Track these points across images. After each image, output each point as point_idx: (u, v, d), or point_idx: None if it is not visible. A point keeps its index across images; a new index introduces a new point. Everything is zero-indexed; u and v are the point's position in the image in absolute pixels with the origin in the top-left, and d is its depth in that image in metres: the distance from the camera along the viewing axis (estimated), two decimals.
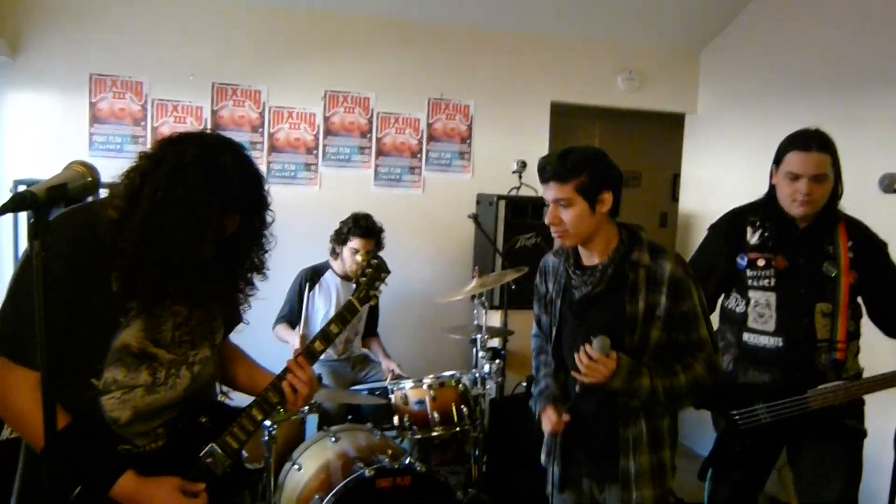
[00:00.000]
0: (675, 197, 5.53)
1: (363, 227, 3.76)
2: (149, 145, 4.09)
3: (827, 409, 2.49)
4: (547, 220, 2.11)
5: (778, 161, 2.57)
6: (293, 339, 3.63)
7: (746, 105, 4.64)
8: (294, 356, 1.84)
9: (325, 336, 1.89)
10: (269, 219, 1.73)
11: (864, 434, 2.58)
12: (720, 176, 4.87)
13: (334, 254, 3.91)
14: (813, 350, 2.55)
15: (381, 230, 3.82)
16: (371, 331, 4.13)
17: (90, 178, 1.36)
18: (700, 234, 2.88)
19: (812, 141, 2.49)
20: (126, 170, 1.62)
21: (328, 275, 3.92)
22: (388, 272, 2.05)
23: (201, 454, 1.72)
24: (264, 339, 3.51)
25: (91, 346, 1.59)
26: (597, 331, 2.03)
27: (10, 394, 1.52)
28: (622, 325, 2.05)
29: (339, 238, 3.83)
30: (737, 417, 2.60)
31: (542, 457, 2.30)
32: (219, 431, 1.74)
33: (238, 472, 1.82)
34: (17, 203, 1.21)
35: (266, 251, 1.78)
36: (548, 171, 2.07)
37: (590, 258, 2.15)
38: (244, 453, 2.48)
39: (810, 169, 2.47)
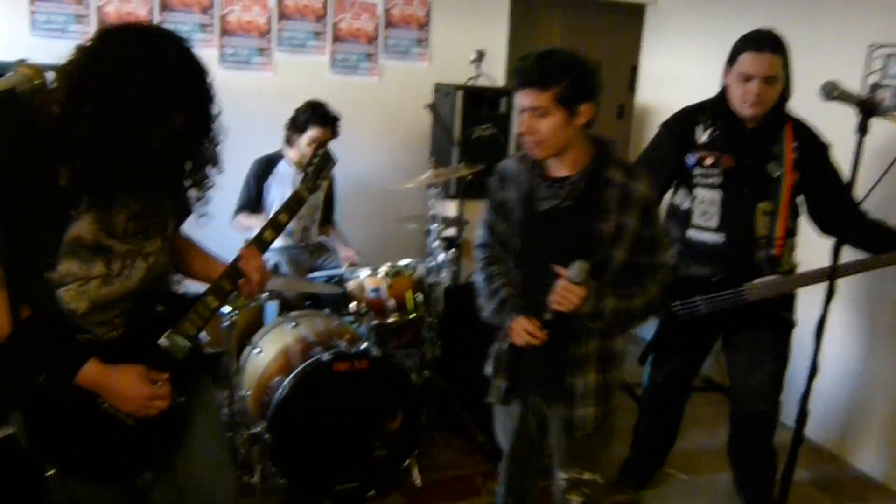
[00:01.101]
0: (632, 88, 5.54)
1: (321, 116, 3.71)
2: (92, 25, 3.97)
3: (761, 301, 2.64)
4: (519, 129, 1.99)
5: (731, 61, 2.59)
6: (256, 222, 3.65)
7: None
8: (245, 246, 1.88)
9: (276, 224, 1.92)
10: (215, 111, 1.72)
11: (793, 324, 2.75)
12: (678, 69, 4.88)
13: (289, 143, 3.87)
14: (752, 246, 2.66)
15: (337, 118, 3.79)
16: (328, 218, 4.16)
17: (38, 81, 1.36)
18: (656, 128, 2.92)
19: (765, 42, 2.51)
20: (64, 63, 1.58)
21: (282, 164, 3.89)
22: (334, 162, 2.08)
23: (159, 341, 1.76)
24: (223, 230, 3.53)
25: (42, 239, 1.60)
26: (562, 246, 1.97)
27: None
28: (587, 243, 1.97)
29: (296, 126, 3.77)
30: (677, 308, 2.74)
31: (488, 368, 2.25)
32: (176, 319, 1.78)
33: (197, 358, 1.87)
34: None
35: (217, 143, 1.77)
36: (525, 75, 1.91)
37: (558, 170, 2.03)
38: (206, 337, 2.56)
39: (763, 70, 2.50)
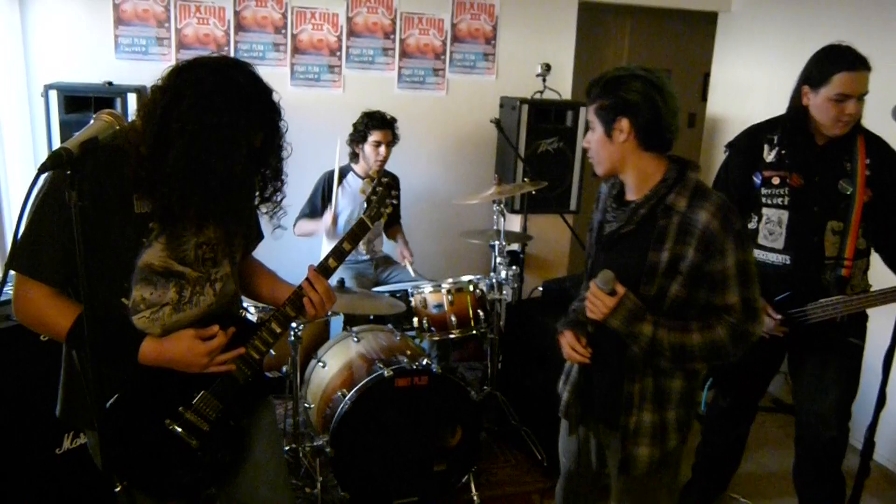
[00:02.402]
0: (704, 97, 5.44)
1: (379, 119, 3.85)
2: (173, 47, 4.16)
3: (829, 324, 2.56)
4: (583, 143, 2.04)
5: (821, 82, 2.49)
6: (319, 224, 3.79)
7: (782, 6, 4.48)
8: (309, 273, 1.92)
9: (339, 252, 1.96)
10: (283, 128, 1.80)
11: (861, 349, 2.66)
12: (750, 78, 4.77)
13: (355, 156, 3.98)
14: (820, 267, 2.59)
15: (394, 119, 3.92)
16: (394, 221, 4.23)
17: (118, 127, 1.44)
18: (727, 138, 2.86)
19: (858, 61, 2.44)
20: (142, 104, 1.69)
21: (351, 177, 4.01)
22: (398, 189, 2.10)
23: None
24: (292, 242, 3.65)
25: (116, 266, 1.69)
26: (620, 273, 1.89)
27: (27, 305, 1.67)
28: (641, 272, 1.89)
29: (358, 136, 3.90)
30: None
31: (560, 383, 2.24)
32: (241, 343, 1.84)
33: (259, 381, 1.93)
34: (54, 161, 1.30)
35: (282, 158, 1.84)
36: (586, 93, 1.98)
37: (630, 193, 1.99)
38: (272, 352, 2.65)
39: (860, 88, 2.44)
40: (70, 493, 2.61)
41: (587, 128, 2.00)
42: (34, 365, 2.55)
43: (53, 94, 3.61)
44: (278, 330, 1.88)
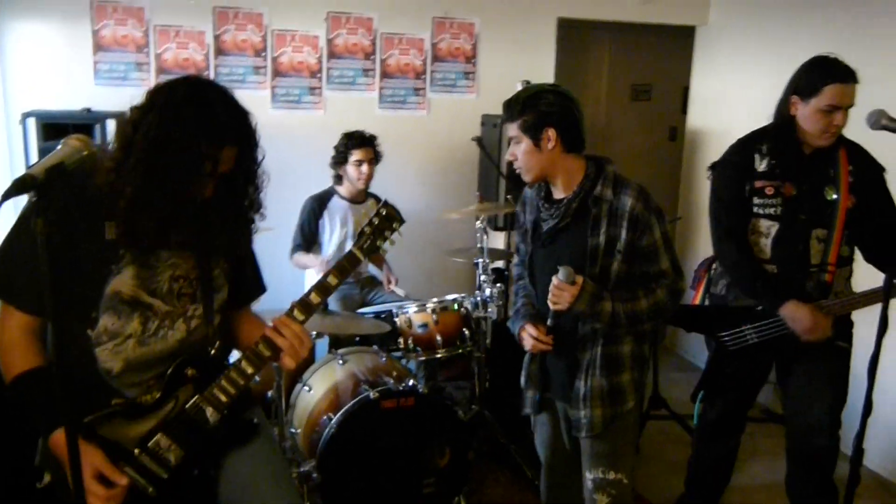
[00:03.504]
0: (685, 110, 5.47)
1: (358, 138, 3.86)
2: (152, 72, 4.15)
3: None
4: (507, 156, 2.26)
5: (810, 93, 2.50)
6: (313, 262, 3.78)
7: (758, 18, 4.52)
8: (289, 309, 1.78)
9: (323, 288, 1.80)
10: (259, 156, 1.75)
11: (849, 352, 2.66)
12: (729, 90, 4.80)
13: (338, 178, 3.97)
14: (805, 275, 2.60)
15: (374, 137, 3.93)
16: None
17: (86, 152, 1.41)
18: (708, 150, 2.87)
19: (847, 73, 2.47)
20: (118, 122, 1.68)
21: (335, 200, 3.99)
22: (401, 221, 1.90)
23: (187, 405, 1.72)
24: (279, 268, 3.63)
25: (84, 294, 1.66)
26: (563, 262, 2.13)
27: (1, 331, 1.65)
28: (584, 256, 2.15)
29: (339, 158, 3.90)
30: (726, 339, 2.69)
31: (522, 380, 2.45)
32: (207, 384, 1.73)
33: (235, 426, 1.81)
34: (18, 187, 1.28)
35: (260, 190, 1.80)
36: (504, 110, 2.20)
37: (557, 192, 2.22)
38: (255, 378, 2.56)
39: (848, 100, 2.47)
40: None
41: (508, 143, 2.22)
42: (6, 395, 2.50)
43: (31, 122, 3.60)
44: (250, 370, 1.73)
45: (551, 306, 2.16)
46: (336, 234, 3.95)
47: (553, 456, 2.46)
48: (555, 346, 2.23)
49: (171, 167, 1.59)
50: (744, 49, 4.68)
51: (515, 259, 2.52)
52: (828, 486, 2.76)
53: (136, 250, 1.68)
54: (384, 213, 1.87)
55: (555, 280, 2.12)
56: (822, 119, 2.50)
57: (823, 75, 2.49)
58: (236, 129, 1.67)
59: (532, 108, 2.11)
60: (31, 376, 1.63)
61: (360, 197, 3.99)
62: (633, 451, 2.37)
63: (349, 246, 3.55)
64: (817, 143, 2.55)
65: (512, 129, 2.16)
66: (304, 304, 1.78)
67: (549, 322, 2.21)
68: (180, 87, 1.64)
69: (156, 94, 1.64)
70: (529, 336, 2.25)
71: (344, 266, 1.82)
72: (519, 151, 2.16)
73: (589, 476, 2.29)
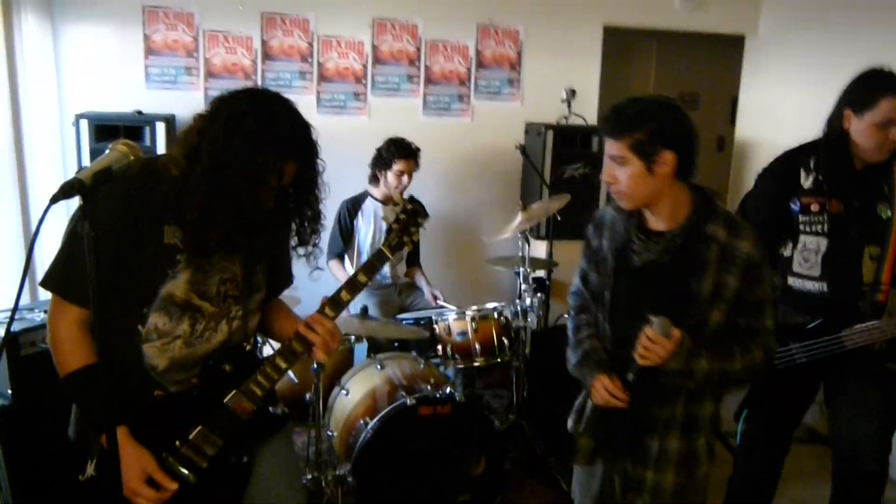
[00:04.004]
0: (733, 121, 5.38)
1: (405, 149, 3.88)
2: (201, 76, 4.22)
3: (866, 351, 2.48)
4: (602, 177, 1.91)
5: (864, 106, 2.42)
6: (342, 278, 3.78)
7: (809, 28, 4.44)
8: (320, 306, 1.84)
9: (353, 285, 1.84)
10: (320, 167, 1.79)
11: None
12: (779, 101, 4.71)
13: (375, 180, 4.00)
14: (857, 294, 2.52)
15: (418, 149, 3.95)
16: (413, 261, 4.25)
17: (132, 157, 1.43)
18: (757, 161, 2.82)
19: None
20: (183, 130, 1.71)
21: (368, 202, 4.03)
22: (425, 216, 1.98)
23: (225, 400, 1.77)
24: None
25: (139, 292, 1.70)
26: (657, 303, 1.83)
27: (55, 325, 1.67)
28: (683, 303, 1.85)
29: (382, 163, 3.92)
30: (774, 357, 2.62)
31: (571, 424, 2.15)
32: (242, 378, 1.78)
33: (265, 418, 1.87)
34: (66, 191, 1.30)
35: (321, 200, 1.83)
36: (604, 123, 1.86)
37: (655, 222, 1.92)
38: (293, 378, 2.59)
39: None
40: None
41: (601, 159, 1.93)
42: (59, 390, 2.56)
43: (84, 124, 3.68)
44: (283, 365, 1.80)
45: (638, 361, 1.85)
46: (370, 234, 3.98)
47: None
48: (630, 402, 1.93)
49: (236, 179, 1.62)
50: (795, 59, 4.59)
51: (575, 283, 2.19)
52: None
53: (197, 256, 1.71)
54: (410, 209, 1.93)
55: (648, 332, 1.81)
56: (876, 134, 2.41)
57: (879, 88, 2.40)
58: (299, 143, 1.70)
59: (646, 124, 1.78)
60: (85, 373, 1.66)
61: (392, 200, 4.02)
62: None
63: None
64: (872, 158, 2.46)
65: (616, 147, 1.82)
66: (335, 302, 1.85)
67: (629, 377, 1.90)
68: (244, 99, 1.67)
69: (220, 105, 1.67)
70: (605, 390, 1.94)
71: (372, 264, 1.87)
72: (623, 174, 1.83)
73: None
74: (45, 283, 1.67)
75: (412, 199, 1.89)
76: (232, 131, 1.61)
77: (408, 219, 1.92)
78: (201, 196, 1.61)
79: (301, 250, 1.87)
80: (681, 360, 1.83)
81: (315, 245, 1.87)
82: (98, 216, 1.47)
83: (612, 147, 1.84)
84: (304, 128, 1.71)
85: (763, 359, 1.90)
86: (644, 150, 1.79)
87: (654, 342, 1.81)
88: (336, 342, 1.83)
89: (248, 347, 1.90)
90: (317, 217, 1.84)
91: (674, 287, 1.87)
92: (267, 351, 2.97)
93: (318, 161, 1.78)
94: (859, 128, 2.45)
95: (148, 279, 1.69)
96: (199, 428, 1.75)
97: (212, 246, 1.69)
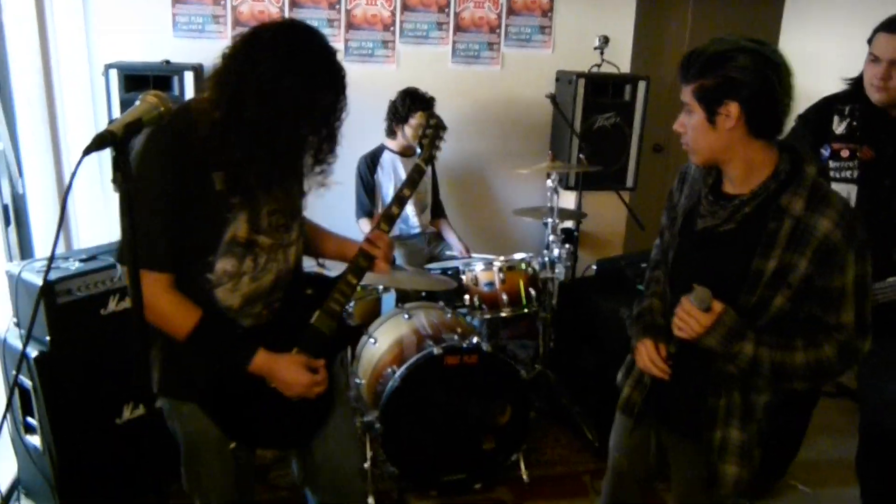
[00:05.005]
0: None
1: (422, 101, 3.89)
2: (229, 25, 4.19)
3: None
4: (675, 126, 1.77)
5: (869, 42, 2.44)
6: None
7: None
8: (375, 223, 2.02)
9: (400, 199, 2.04)
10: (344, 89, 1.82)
11: None
12: (821, 53, 4.54)
13: (391, 133, 4.00)
14: (891, 244, 2.48)
15: (434, 98, 3.96)
16: (438, 213, 4.25)
17: (163, 108, 1.44)
18: (794, 111, 2.75)
19: None
20: (213, 74, 1.72)
21: (386, 154, 4.04)
22: (445, 129, 2.15)
23: (311, 320, 1.91)
24: (345, 220, 3.70)
25: (202, 244, 1.75)
26: (712, 275, 1.71)
27: (155, 300, 1.67)
28: (741, 280, 1.69)
29: (398, 116, 3.93)
30: None
31: (619, 377, 2.09)
32: (322, 299, 1.92)
33: (344, 331, 2.05)
34: (98, 143, 1.31)
35: (342, 122, 1.85)
36: (680, 67, 1.71)
37: (730, 185, 1.76)
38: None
39: (889, 52, 2.35)
40: (129, 462, 2.69)
41: (669, 107, 1.88)
42: (95, 338, 2.64)
43: (114, 74, 3.68)
44: (354, 281, 1.96)
45: (675, 331, 1.74)
46: (392, 187, 4.00)
47: (629, 467, 2.12)
48: (676, 379, 1.83)
49: (287, 120, 1.66)
50: (837, 6, 4.42)
51: (657, 241, 2.08)
52: None
53: (246, 196, 1.76)
54: (433, 123, 2.10)
55: (685, 302, 1.70)
56: (868, 69, 2.42)
57: (880, 25, 2.41)
58: (335, 74, 1.74)
59: (715, 70, 1.61)
60: (204, 326, 1.73)
61: (410, 151, 4.04)
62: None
63: None
64: (871, 97, 2.44)
65: (685, 94, 1.69)
66: (388, 217, 2.03)
67: (670, 347, 1.82)
68: (279, 37, 1.67)
69: (253, 43, 1.67)
70: (646, 357, 1.85)
71: (413, 178, 2.05)
72: (689, 124, 1.70)
73: None
74: (131, 261, 1.67)
75: (432, 114, 2.00)
76: (279, 73, 1.63)
77: (433, 131, 2.13)
78: (247, 138, 1.65)
79: (318, 168, 1.89)
80: (719, 339, 1.68)
81: (330, 165, 1.90)
82: (148, 179, 1.60)
83: (682, 92, 1.71)
84: (334, 55, 1.74)
85: (836, 358, 1.67)
86: (706, 98, 1.64)
87: (689, 314, 1.69)
88: (392, 253, 2.04)
89: (320, 270, 2.05)
90: (334, 138, 1.85)
91: (732, 260, 1.71)
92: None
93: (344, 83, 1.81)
94: (865, 64, 2.45)
95: (210, 229, 1.75)
96: (294, 350, 1.88)
97: (258, 184, 1.74)
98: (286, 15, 4.28)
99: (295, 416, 1.92)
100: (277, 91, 1.63)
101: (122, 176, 1.34)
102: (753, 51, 1.61)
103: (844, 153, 2.52)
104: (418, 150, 2.13)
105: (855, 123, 2.52)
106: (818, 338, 1.68)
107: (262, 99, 1.62)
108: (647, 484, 2.21)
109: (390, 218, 2.02)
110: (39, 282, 2.45)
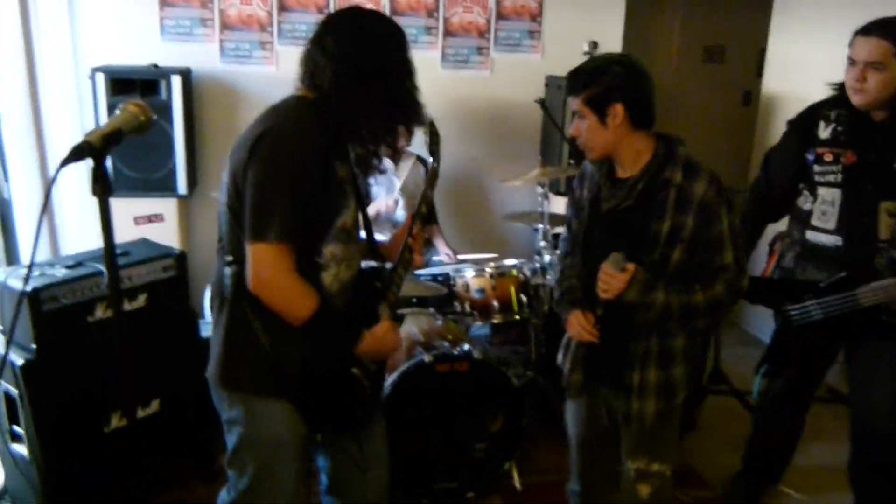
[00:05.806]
0: (760, 74, 5.25)
1: None
2: (216, 28, 4.16)
3: (882, 311, 2.46)
4: (570, 131, 2.15)
5: (849, 46, 2.47)
6: (382, 203, 3.87)
7: None
8: (408, 221, 2.17)
9: (426, 199, 2.18)
10: None
11: None
12: (809, 54, 4.56)
13: None
14: (873, 250, 2.50)
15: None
16: (431, 219, 4.22)
17: (143, 118, 1.43)
18: (784, 116, 2.80)
19: (875, 26, 2.38)
20: (306, 69, 1.85)
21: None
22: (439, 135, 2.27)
23: (379, 311, 2.02)
24: None
25: (317, 228, 1.83)
26: (622, 246, 2.02)
27: (277, 275, 1.77)
28: (644, 243, 2.03)
29: None
30: (791, 313, 2.60)
31: (560, 358, 2.34)
32: (384, 290, 2.06)
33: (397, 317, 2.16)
34: (76, 153, 1.31)
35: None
36: (567, 83, 2.10)
37: (621, 170, 2.12)
38: None
39: (862, 54, 2.38)
40: (117, 471, 2.65)
41: (572, 117, 2.11)
42: (82, 345, 2.60)
43: (100, 77, 3.64)
44: (403, 273, 2.10)
45: (600, 294, 2.04)
46: (382, 190, 3.96)
47: (590, 437, 2.38)
48: (603, 336, 2.12)
49: (402, 86, 1.88)
50: (825, 10, 4.43)
51: (563, 231, 2.40)
52: (892, 473, 2.67)
53: (368, 174, 2.01)
54: (435, 130, 2.22)
55: (604, 266, 2.02)
56: (848, 72, 2.45)
57: (857, 29, 2.45)
58: (404, 34, 1.93)
59: (597, 81, 1.99)
60: (325, 309, 1.82)
61: (399, 154, 3.98)
62: (678, 444, 2.37)
63: (396, 195, 3.61)
64: (853, 101, 2.46)
65: (576, 104, 2.04)
66: (420, 216, 2.16)
67: (597, 311, 2.11)
68: (363, 22, 1.88)
69: (338, 26, 1.85)
70: (577, 324, 2.15)
71: (432, 181, 2.20)
72: (583, 127, 2.05)
73: (631, 465, 2.24)
74: (261, 234, 1.72)
75: (431, 123, 2.10)
76: (385, 51, 1.83)
77: (436, 136, 2.23)
78: (380, 114, 1.84)
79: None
80: (636, 292, 2.00)
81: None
82: (286, 159, 1.71)
83: (573, 103, 2.07)
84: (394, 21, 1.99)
85: (727, 294, 2.03)
86: (595, 104, 2.00)
87: (610, 276, 2.00)
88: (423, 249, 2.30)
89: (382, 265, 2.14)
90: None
91: (636, 229, 2.05)
92: None
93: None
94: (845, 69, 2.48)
95: (328, 215, 1.83)
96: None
97: (390, 144, 1.95)
98: (275, 19, 4.26)
99: (363, 399, 2.03)
100: (386, 66, 1.82)
101: (101, 188, 1.33)
102: (623, 62, 2.03)
103: (828, 157, 2.55)
104: (409, 150, 2.19)
105: (840, 128, 2.55)
106: (711, 280, 2.04)
107: (379, 74, 1.80)
108: (609, 448, 2.33)
109: (423, 216, 2.16)
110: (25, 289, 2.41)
